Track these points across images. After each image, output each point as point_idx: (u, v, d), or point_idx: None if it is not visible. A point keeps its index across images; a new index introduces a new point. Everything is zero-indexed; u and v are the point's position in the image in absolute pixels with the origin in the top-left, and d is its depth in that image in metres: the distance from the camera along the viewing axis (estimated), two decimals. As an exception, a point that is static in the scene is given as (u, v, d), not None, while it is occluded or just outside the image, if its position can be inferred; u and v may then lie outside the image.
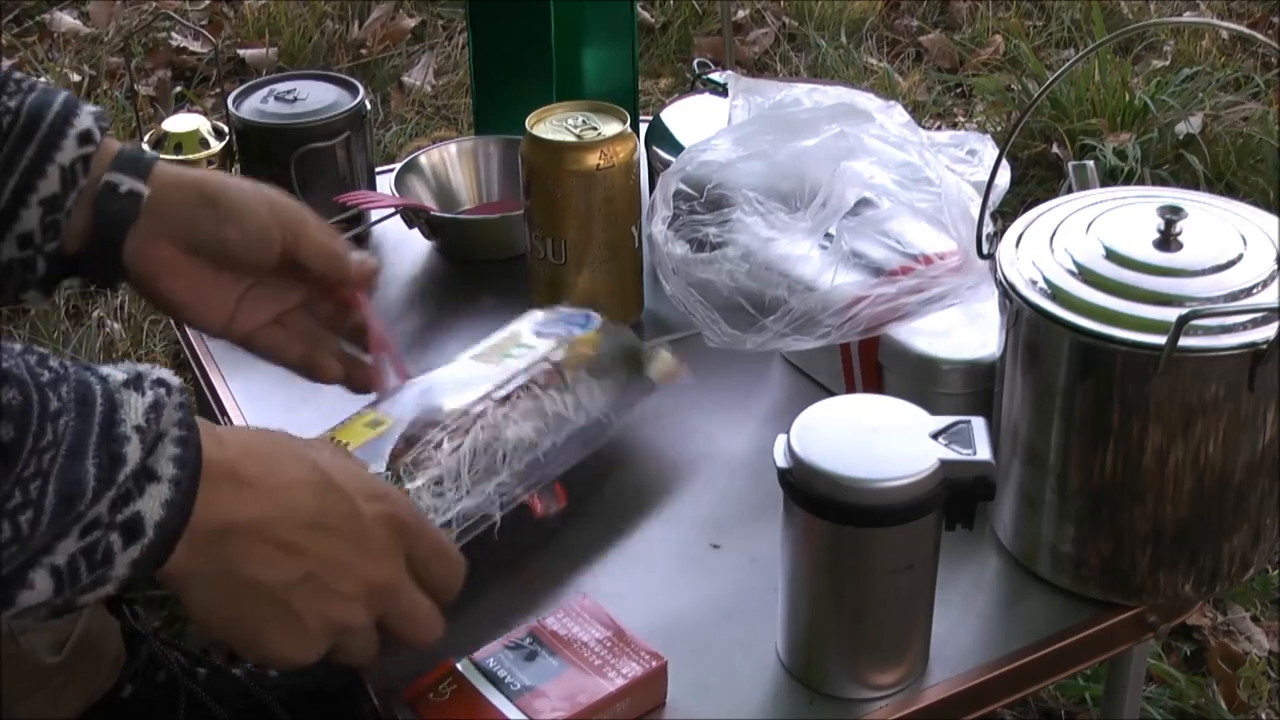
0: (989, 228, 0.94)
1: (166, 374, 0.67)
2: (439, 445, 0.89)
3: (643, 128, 1.35)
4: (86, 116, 0.87)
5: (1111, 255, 0.86)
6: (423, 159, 1.34)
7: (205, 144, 1.27)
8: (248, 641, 0.71)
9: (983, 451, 0.79)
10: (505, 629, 0.85)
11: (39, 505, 0.59)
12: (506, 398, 0.94)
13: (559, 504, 0.94)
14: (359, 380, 0.98)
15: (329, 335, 0.99)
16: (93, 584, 0.63)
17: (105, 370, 0.65)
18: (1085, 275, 0.85)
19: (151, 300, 0.94)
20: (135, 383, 0.65)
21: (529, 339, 1.00)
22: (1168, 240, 0.86)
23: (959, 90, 2.38)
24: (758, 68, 2.43)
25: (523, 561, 0.94)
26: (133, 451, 0.63)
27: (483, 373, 0.97)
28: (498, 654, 0.81)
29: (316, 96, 1.29)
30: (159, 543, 0.64)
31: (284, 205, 0.93)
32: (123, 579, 0.64)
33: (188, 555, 0.66)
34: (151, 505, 0.63)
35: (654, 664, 0.80)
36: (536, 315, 1.03)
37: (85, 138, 0.86)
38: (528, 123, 1.11)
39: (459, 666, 0.81)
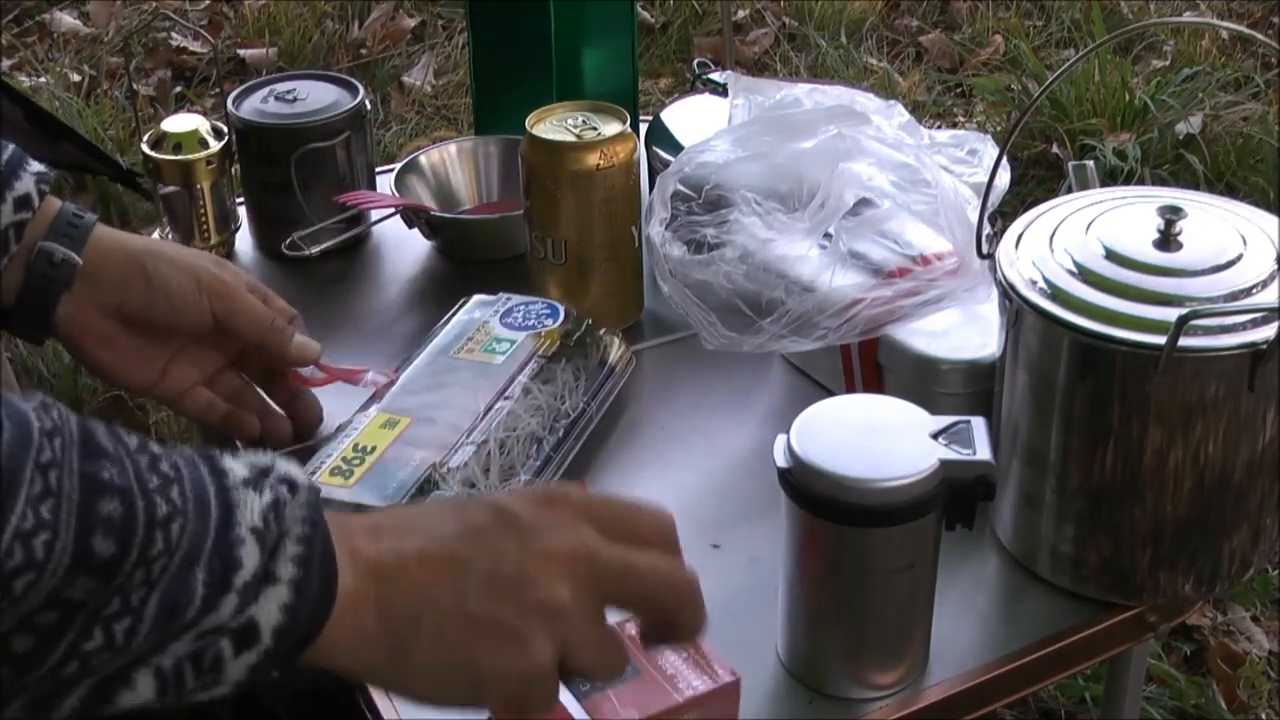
0: (988, 228, 0.94)
1: (294, 470, 0.61)
2: (459, 448, 0.93)
3: (643, 128, 1.35)
4: (28, 179, 0.89)
5: (1111, 255, 0.86)
6: (423, 159, 1.34)
7: (205, 144, 1.27)
8: (472, 682, 0.63)
9: (983, 451, 0.79)
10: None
11: (139, 614, 0.55)
12: (508, 395, 0.98)
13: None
14: (276, 435, 1.02)
15: (252, 391, 1.03)
16: (201, 688, 0.58)
17: (226, 464, 0.60)
18: (1085, 275, 0.85)
19: (79, 360, 0.96)
20: (256, 481, 0.59)
21: (500, 331, 1.04)
22: (1168, 240, 0.86)
23: (959, 90, 2.38)
24: (758, 68, 2.43)
25: None
26: (249, 555, 0.57)
27: (478, 370, 1.01)
28: None
29: (316, 96, 1.28)
30: (278, 648, 0.58)
31: (214, 277, 0.96)
32: (240, 682, 0.58)
33: (354, 624, 0.61)
34: (269, 609, 0.58)
35: (727, 680, 0.79)
36: (488, 302, 1.08)
37: (23, 203, 0.88)
38: (528, 123, 1.11)
39: None
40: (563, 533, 0.65)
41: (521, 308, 1.07)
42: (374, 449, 0.93)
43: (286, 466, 0.61)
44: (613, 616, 0.82)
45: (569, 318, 1.07)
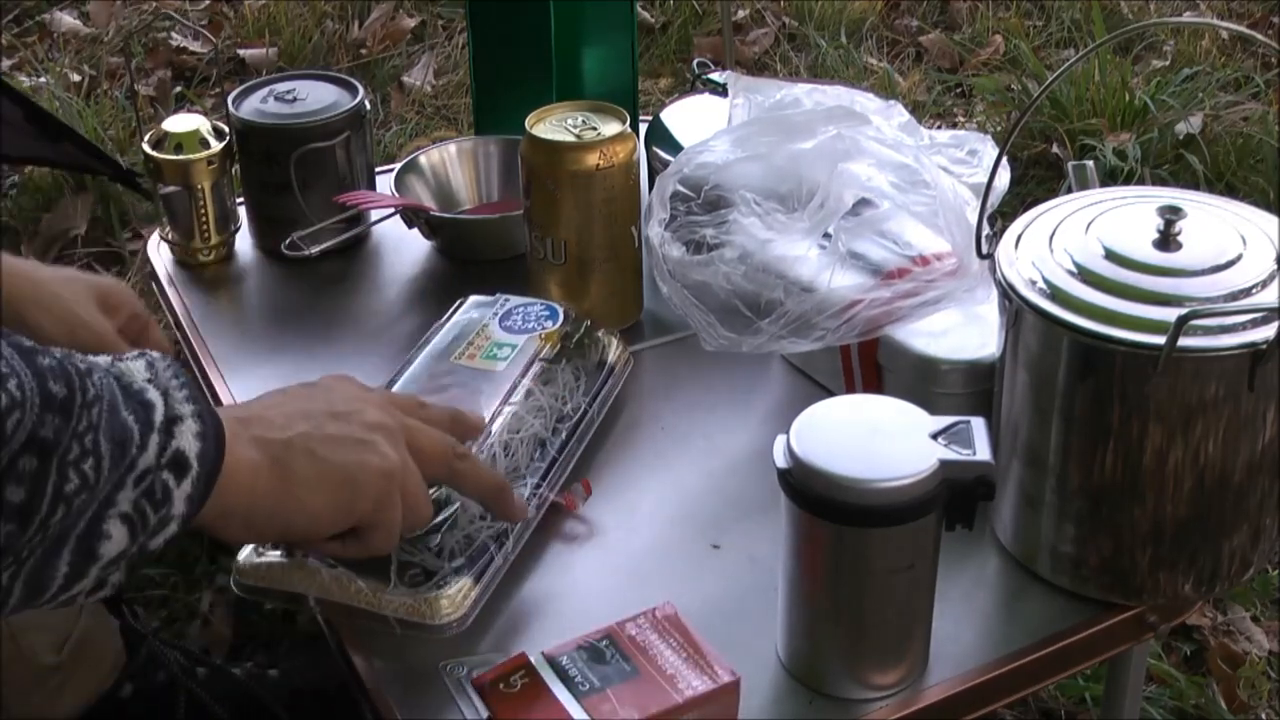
0: (988, 228, 0.94)
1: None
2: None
3: (643, 128, 1.35)
4: None
5: (1111, 255, 0.86)
6: (423, 159, 1.34)
7: (205, 144, 1.27)
8: (347, 485, 0.78)
9: (983, 451, 0.79)
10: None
11: (97, 453, 0.64)
12: (512, 401, 0.98)
13: (587, 494, 0.99)
14: None
15: None
16: (160, 524, 0.68)
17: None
18: (1085, 275, 0.85)
19: None
20: (118, 358, 0.71)
21: (501, 336, 1.04)
22: (1167, 240, 0.86)
23: (959, 90, 2.38)
24: (758, 68, 2.43)
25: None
26: (155, 398, 0.69)
27: (481, 377, 1.01)
28: (571, 652, 0.81)
29: (316, 96, 1.29)
30: (204, 473, 0.69)
31: (84, 326, 1.02)
32: (184, 515, 0.69)
33: (243, 456, 0.73)
34: (187, 439, 0.69)
35: (726, 680, 0.79)
36: (486, 304, 1.08)
37: None
38: (527, 123, 1.11)
39: (532, 660, 0.80)
40: (387, 400, 0.85)
41: (520, 310, 1.07)
42: None
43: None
44: (612, 616, 0.82)
45: (568, 319, 1.07)
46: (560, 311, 1.07)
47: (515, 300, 1.09)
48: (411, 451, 0.81)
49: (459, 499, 0.90)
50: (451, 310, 1.10)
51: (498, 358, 1.02)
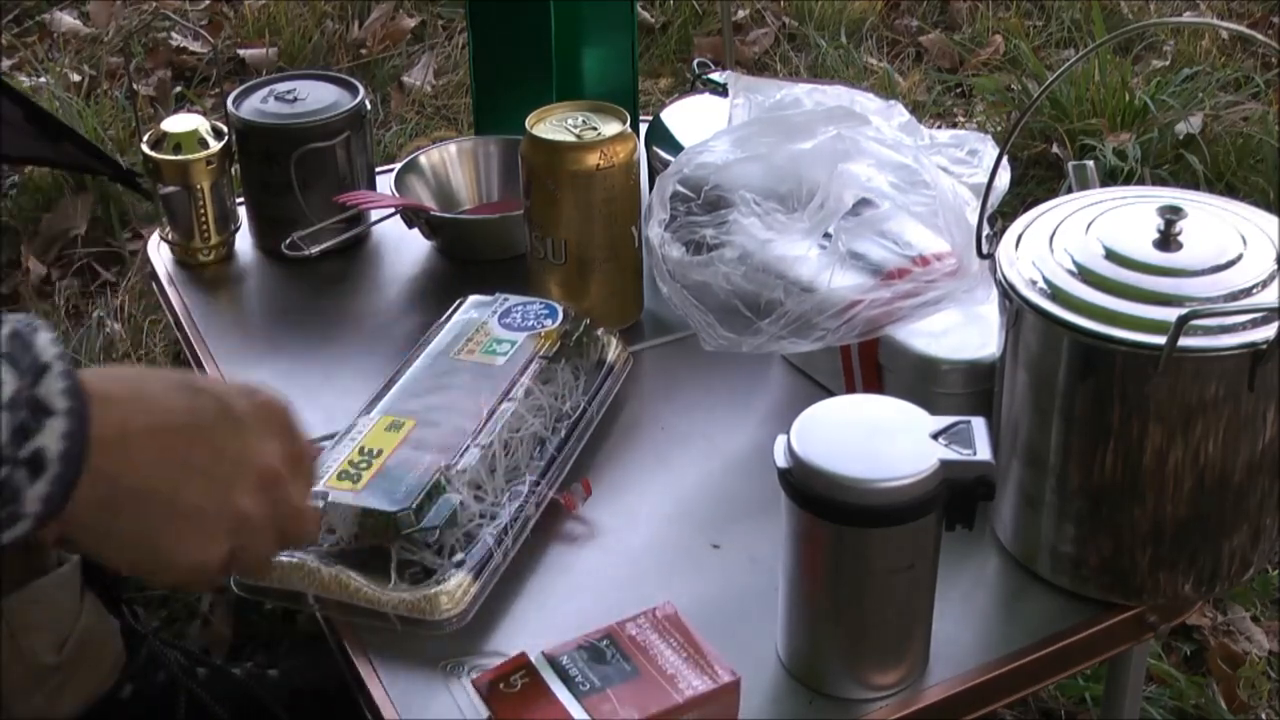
0: (988, 228, 0.94)
1: (21, 317, 0.67)
2: (466, 451, 0.93)
3: (643, 128, 1.35)
4: None
5: (1111, 255, 0.86)
6: (423, 159, 1.34)
7: (205, 144, 1.27)
8: (151, 558, 0.71)
9: (983, 451, 0.79)
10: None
11: None
12: (511, 397, 0.99)
13: (586, 494, 0.98)
14: None
15: None
16: (6, 521, 0.63)
17: None
18: (1085, 275, 0.85)
19: None
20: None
21: (500, 332, 1.05)
22: (1168, 240, 0.86)
23: (959, 90, 2.38)
24: (758, 68, 2.42)
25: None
26: (7, 377, 0.63)
27: (479, 372, 1.01)
28: (572, 652, 0.81)
29: (316, 96, 1.29)
30: (66, 474, 0.64)
31: None
32: (37, 515, 0.64)
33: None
34: (51, 439, 0.63)
35: (726, 679, 0.79)
36: (485, 303, 1.08)
37: None
38: (527, 123, 1.11)
39: (533, 660, 0.80)
40: (269, 445, 0.74)
41: (520, 308, 1.07)
42: (380, 452, 0.93)
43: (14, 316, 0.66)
44: (612, 616, 0.82)
45: (567, 318, 1.07)
46: (560, 310, 1.07)
47: (515, 299, 1.09)
48: (239, 549, 0.74)
49: (459, 495, 0.90)
50: (451, 310, 1.10)
51: (496, 352, 1.03)
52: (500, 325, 1.06)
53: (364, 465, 0.92)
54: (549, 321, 1.06)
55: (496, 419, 0.96)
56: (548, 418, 1.00)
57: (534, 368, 1.02)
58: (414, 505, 0.88)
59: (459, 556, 0.88)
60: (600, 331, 1.08)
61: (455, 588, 0.86)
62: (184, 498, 0.70)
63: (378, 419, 0.96)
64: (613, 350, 1.09)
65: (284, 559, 0.88)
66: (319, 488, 0.89)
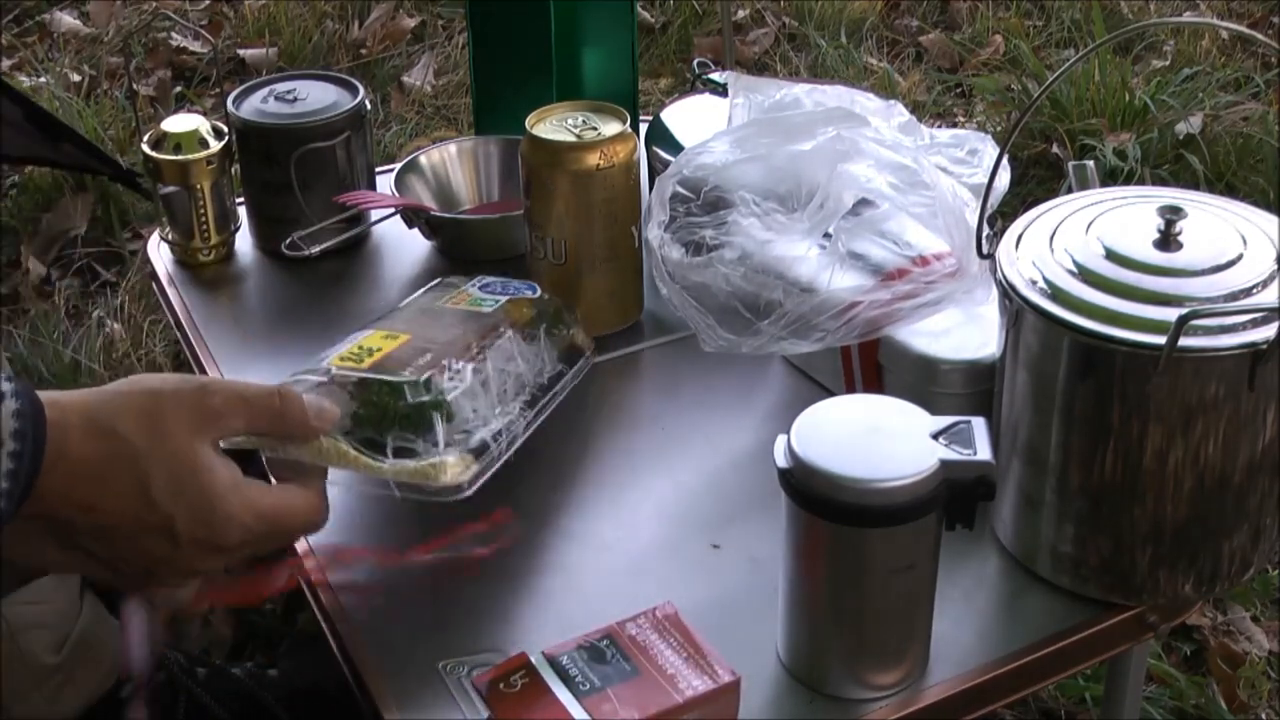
0: (988, 228, 0.94)
1: None
2: (460, 370, 0.92)
3: (643, 128, 1.35)
4: None
5: (1111, 255, 0.86)
6: (423, 159, 1.34)
7: (205, 144, 1.27)
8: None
9: (983, 451, 0.79)
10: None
11: None
12: (500, 334, 0.98)
13: (506, 523, 0.93)
14: None
15: None
16: None
17: None
18: (1085, 275, 0.85)
19: None
20: None
21: (479, 295, 1.05)
22: (1168, 240, 0.86)
23: (959, 90, 2.38)
24: (758, 68, 2.43)
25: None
26: None
27: (467, 315, 1.01)
28: (572, 652, 0.81)
29: (316, 96, 1.29)
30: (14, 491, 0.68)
31: None
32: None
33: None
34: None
35: (726, 679, 0.79)
36: (460, 279, 1.09)
37: None
38: (527, 122, 1.11)
39: (533, 660, 0.80)
40: (206, 567, 0.79)
41: (497, 282, 1.08)
42: (379, 350, 0.92)
43: None
44: (612, 616, 0.82)
45: (540, 298, 1.07)
46: (536, 287, 1.08)
47: (489, 277, 1.09)
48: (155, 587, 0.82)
49: (455, 391, 0.89)
50: (420, 290, 1.10)
51: (482, 306, 1.03)
52: (480, 291, 1.06)
53: (365, 355, 0.91)
54: (529, 291, 1.07)
55: (487, 349, 0.96)
56: (530, 366, 0.99)
57: (518, 325, 1.01)
58: (421, 379, 0.88)
59: (458, 438, 0.87)
60: (568, 316, 1.09)
61: (457, 461, 0.86)
62: (110, 572, 0.76)
63: (371, 331, 0.96)
64: (580, 337, 1.09)
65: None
66: (323, 364, 0.90)
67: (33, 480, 0.69)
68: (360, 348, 0.92)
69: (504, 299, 1.04)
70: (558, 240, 1.12)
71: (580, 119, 1.12)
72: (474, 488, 0.86)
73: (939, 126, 1.73)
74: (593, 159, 1.09)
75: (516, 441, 0.93)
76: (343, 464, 0.85)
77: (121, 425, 0.74)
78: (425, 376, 0.88)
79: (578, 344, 1.07)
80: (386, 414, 0.87)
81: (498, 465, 0.89)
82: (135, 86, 1.74)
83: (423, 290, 1.09)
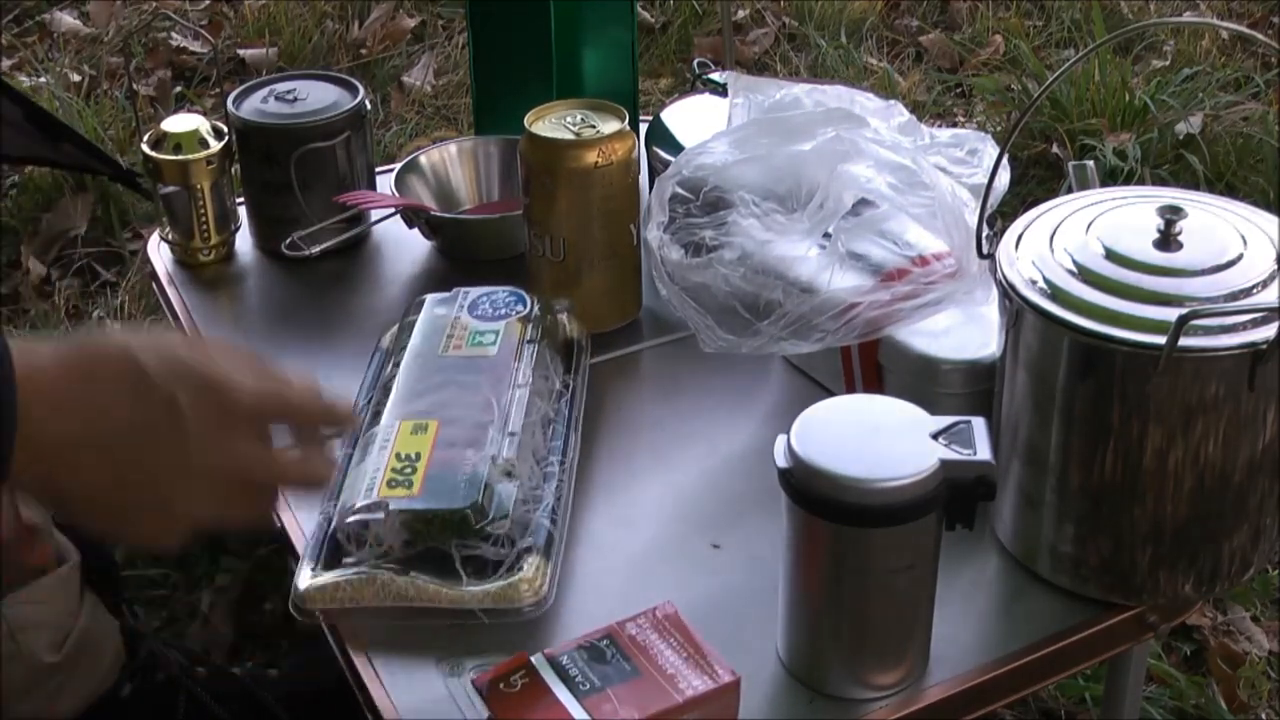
0: (988, 228, 0.94)
1: None
2: (497, 440, 0.94)
3: (643, 128, 1.35)
4: None
5: (1111, 255, 0.86)
6: (423, 159, 1.34)
7: (205, 144, 1.27)
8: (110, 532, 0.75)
9: (983, 451, 0.79)
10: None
11: None
12: (519, 384, 0.99)
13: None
14: None
15: None
16: None
17: None
18: (1085, 275, 0.85)
19: None
20: None
21: (476, 324, 1.05)
22: (1168, 240, 0.86)
23: (959, 90, 2.38)
24: (758, 68, 2.42)
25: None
26: None
27: (473, 365, 1.01)
28: (572, 652, 0.81)
29: (316, 96, 1.29)
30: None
31: None
32: None
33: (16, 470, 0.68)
34: None
35: (726, 679, 0.79)
36: (445, 299, 1.08)
37: None
38: (526, 120, 1.11)
39: (533, 660, 0.80)
40: (221, 453, 0.73)
41: (485, 299, 1.07)
42: (418, 455, 0.92)
43: None
44: (612, 616, 0.82)
45: (530, 302, 1.07)
46: (523, 295, 1.08)
47: (475, 291, 1.09)
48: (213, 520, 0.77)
49: (507, 491, 0.90)
50: (405, 311, 1.09)
51: (484, 344, 1.03)
52: (473, 318, 1.05)
53: (409, 471, 0.91)
54: (520, 307, 1.06)
55: (511, 406, 0.97)
56: (545, 400, 1.00)
57: (527, 353, 1.02)
58: (481, 499, 0.88)
59: (525, 542, 0.88)
60: (557, 309, 1.09)
61: (534, 572, 0.87)
62: (128, 506, 0.72)
63: (398, 425, 0.95)
64: (573, 327, 1.10)
65: (349, 575, 0.88)
66: (375, 498, 0.89)
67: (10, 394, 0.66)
68: (400, 457, 0.92)
69: (499, 325, 1.04)
70: (556, 238, 1.12)
71: (579, 117, 1.12)
72: (554, 593, 0.88)
73: (939, 126, 1.73)
74: (591, 157, 1.09)
75: (570, 501, 0.94)
76: (425, 600, 0.87)
77: (98, 338, 0.72)
78: (483, 496, 0.89)
79: (570, 335, 1.08)
80: (447, 535, 0.88)
81: (562, 546, 0.91)
82: (135, 86, 1.74)
83: (409, 318, 1.08)
